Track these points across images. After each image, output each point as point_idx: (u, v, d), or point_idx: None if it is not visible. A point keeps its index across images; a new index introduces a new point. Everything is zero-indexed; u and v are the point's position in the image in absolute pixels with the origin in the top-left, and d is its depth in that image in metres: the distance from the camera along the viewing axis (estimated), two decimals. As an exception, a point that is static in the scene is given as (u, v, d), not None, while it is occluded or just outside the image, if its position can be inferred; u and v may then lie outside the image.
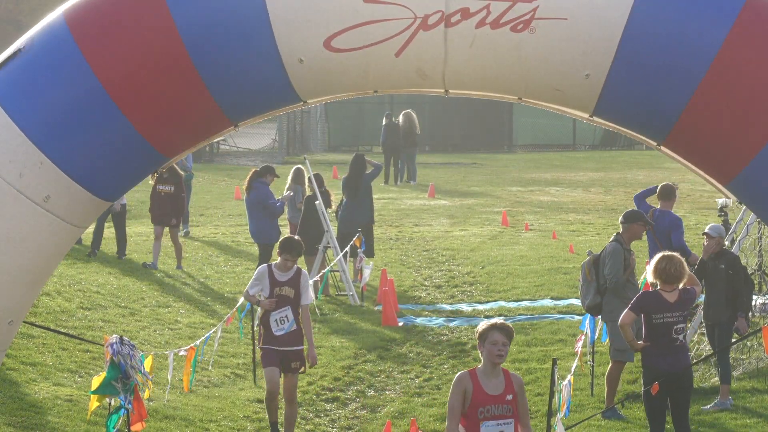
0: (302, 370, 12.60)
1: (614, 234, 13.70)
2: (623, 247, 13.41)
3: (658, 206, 15.48)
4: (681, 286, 11.32)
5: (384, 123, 34.75)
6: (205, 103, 8.81)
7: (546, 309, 18.21)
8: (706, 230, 13.88)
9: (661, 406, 11.40)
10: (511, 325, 8.79)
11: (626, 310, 11.46)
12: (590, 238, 24.00)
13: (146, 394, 10.74)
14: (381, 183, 32.88)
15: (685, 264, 11.41)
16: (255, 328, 15.27)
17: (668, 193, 15.38)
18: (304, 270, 12.77)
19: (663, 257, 11.33)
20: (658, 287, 11.34)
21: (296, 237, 13.00)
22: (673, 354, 11.27)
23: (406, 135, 34.01)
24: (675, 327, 11.26)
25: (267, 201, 19.08)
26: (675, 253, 11.53)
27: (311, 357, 12.47)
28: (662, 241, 14.96)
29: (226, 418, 13.22)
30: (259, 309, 12.65)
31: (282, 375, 12.43)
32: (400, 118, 34.60)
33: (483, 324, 8.82)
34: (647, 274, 11.58)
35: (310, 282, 13.45)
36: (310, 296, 12.69)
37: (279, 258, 12.57)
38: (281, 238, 12.97)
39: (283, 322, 12.35)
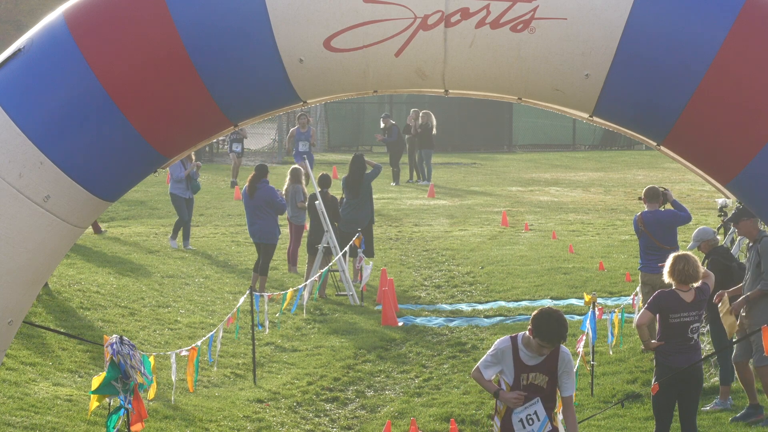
0: None
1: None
2: None
3: (645, 209, 15.52)
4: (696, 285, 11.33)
5: (384, 126, 34.79)
6: (204, 103, 8.80)
7: (546, 309, 18.20)
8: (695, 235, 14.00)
9: (669, 405, 11.41)
10: None
11: (643, 309, 11.46)
12: (590, 238, 24.00)
13: (151, 394, 10.74)
14: (405, 180, 33.61)
15: (699, 262, 11.42)
16: (257, 329, 15.31)
17: (654, 195, 15.43)
18: (565, 347, 9.20)
19: (679, 258, 11.28)
20: (674, 287, 11.32)
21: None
22: (686, 352, 11.31)
23: (422, 135, 34.25)
24: (691, 326, 11.28)
25: (275, 199, 19.18)
26: (689, 253, 11.52)
27: None
28: (660, 239, 15.04)
29: (226, 418, 13.22)
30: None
31: None
32: (419, 118, 34.75)
33: None
34: (663, 276, 11.49)
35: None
36: (573, 384, 9.14)
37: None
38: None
39: (531, 422, 8.89)
